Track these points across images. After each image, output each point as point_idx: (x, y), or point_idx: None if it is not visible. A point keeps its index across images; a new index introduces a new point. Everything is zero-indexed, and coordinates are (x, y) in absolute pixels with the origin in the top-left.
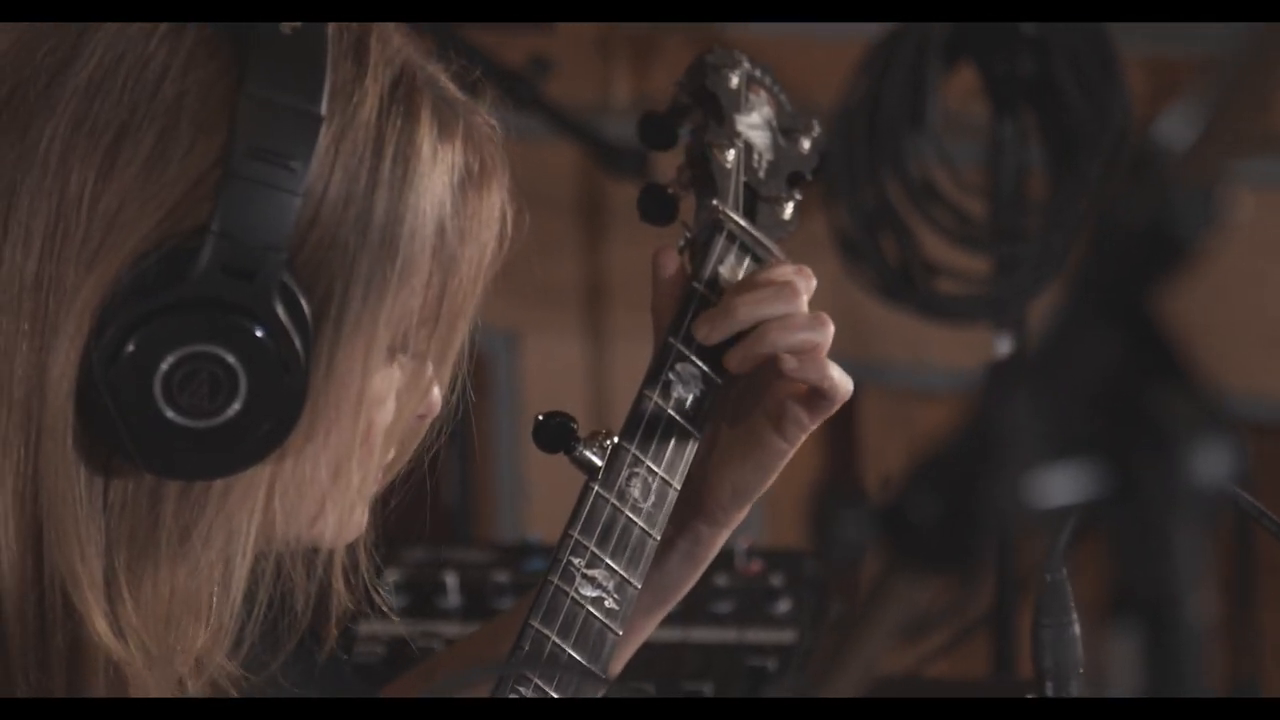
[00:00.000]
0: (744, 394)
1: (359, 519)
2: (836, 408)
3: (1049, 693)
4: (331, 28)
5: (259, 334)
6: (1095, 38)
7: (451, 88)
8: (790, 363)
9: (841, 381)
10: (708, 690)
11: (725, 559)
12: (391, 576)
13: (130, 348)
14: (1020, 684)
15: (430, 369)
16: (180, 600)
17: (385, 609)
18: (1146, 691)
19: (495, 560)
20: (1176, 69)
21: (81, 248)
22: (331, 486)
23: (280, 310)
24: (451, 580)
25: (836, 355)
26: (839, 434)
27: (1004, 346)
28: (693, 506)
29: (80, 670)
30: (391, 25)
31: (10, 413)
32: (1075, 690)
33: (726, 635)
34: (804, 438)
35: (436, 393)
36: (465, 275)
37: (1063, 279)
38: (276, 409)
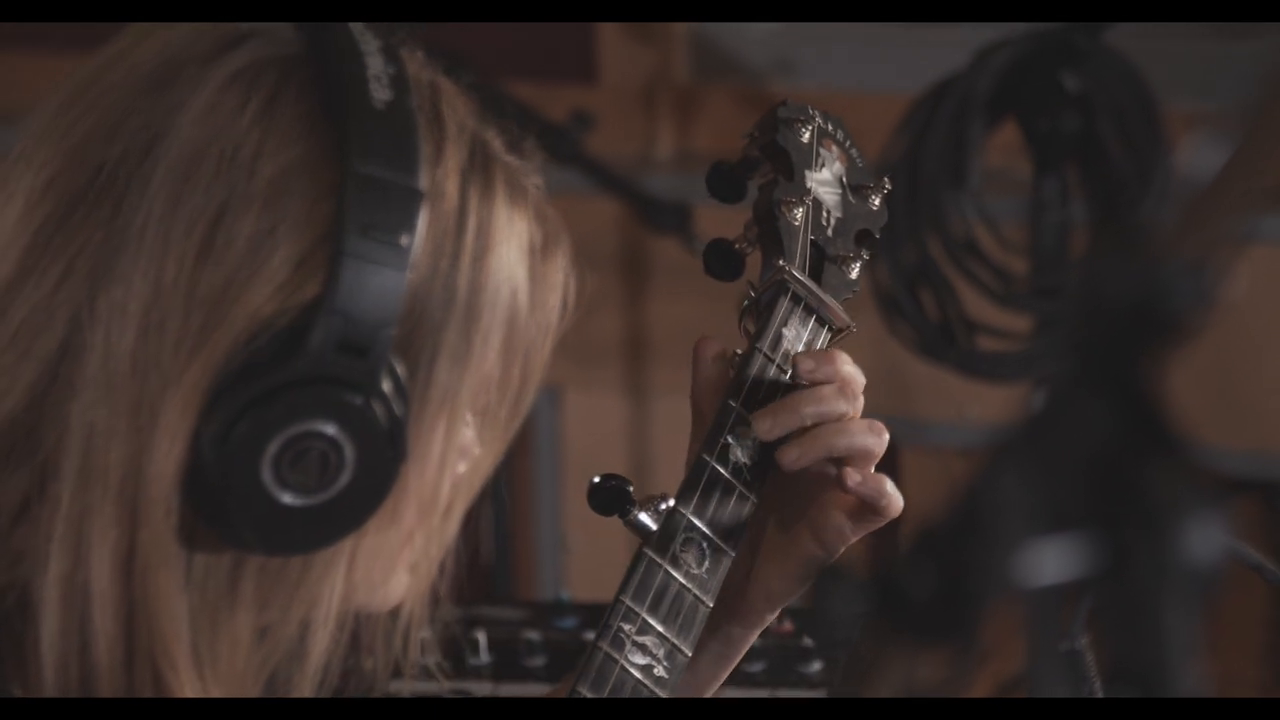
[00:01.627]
0: (787, 495)
1: (407, 587)
2: (884, 524)
3: None
4: (413, 98)
5: (370, 410)
6: (1139, 93)
7: (507, 154)
8: (853, 478)
9: (894, 498)
10: None
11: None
12: (422, 634)
13: (245, 427)
14: None
15: (495, 439)
16: (254, 675)
17: (431, 669)
18: None
19: (527, 618)
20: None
21: (183, 330)
22: (397, 553)
23: (387, 384)
24: (482, 638)
25: (876, 412)
26: None
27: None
28: (727, 608)
29: None
30: (452, 88)
31: (105, 496)
32: None
33: (759, 694)
34: (844, 549)
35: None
36: (536, 341)
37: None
38: (377, 483)
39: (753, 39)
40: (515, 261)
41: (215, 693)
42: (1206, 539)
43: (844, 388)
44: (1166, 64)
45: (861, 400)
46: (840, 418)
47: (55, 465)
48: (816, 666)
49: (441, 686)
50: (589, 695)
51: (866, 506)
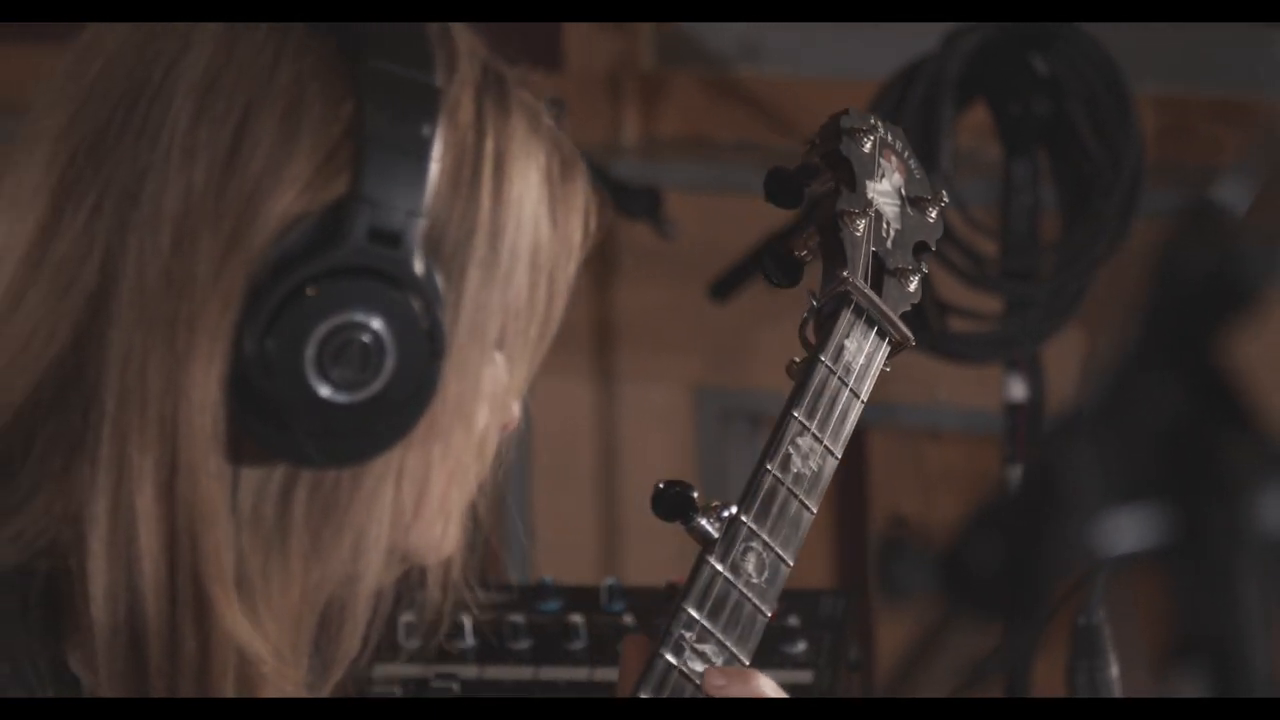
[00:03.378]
0: None
1: (455, 535)
2: None
3: None
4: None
5: (406, 300)
6: (1110, 77)
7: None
8: None
9: None
10: None
11: None
12: (405, 618)
13: (284, 322)
14: None
15: (523, 367)
16: (309, 602)
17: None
18: None
19: (510, 601)
20: (1187, 107)
21: (214, 239)
22: (447, 489)
23: (422, 273)
24: (466, 621)
25: None
26: (849, 472)
27: (1016, 387)
28: None
29: (210, 672)
30: (459, 25)
31: (145, 415)
32: None
33: None
34: None
35: (517, 406)
36: (559, 263)
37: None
38: (419, 380)
39: (718, 25)
40: (534, 180)
41: (266, 620)
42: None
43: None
44: (1137, 48)
45: None
46: None
47: (98, 390)
48: (801, 647)
49: (428, 670)
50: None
51: None
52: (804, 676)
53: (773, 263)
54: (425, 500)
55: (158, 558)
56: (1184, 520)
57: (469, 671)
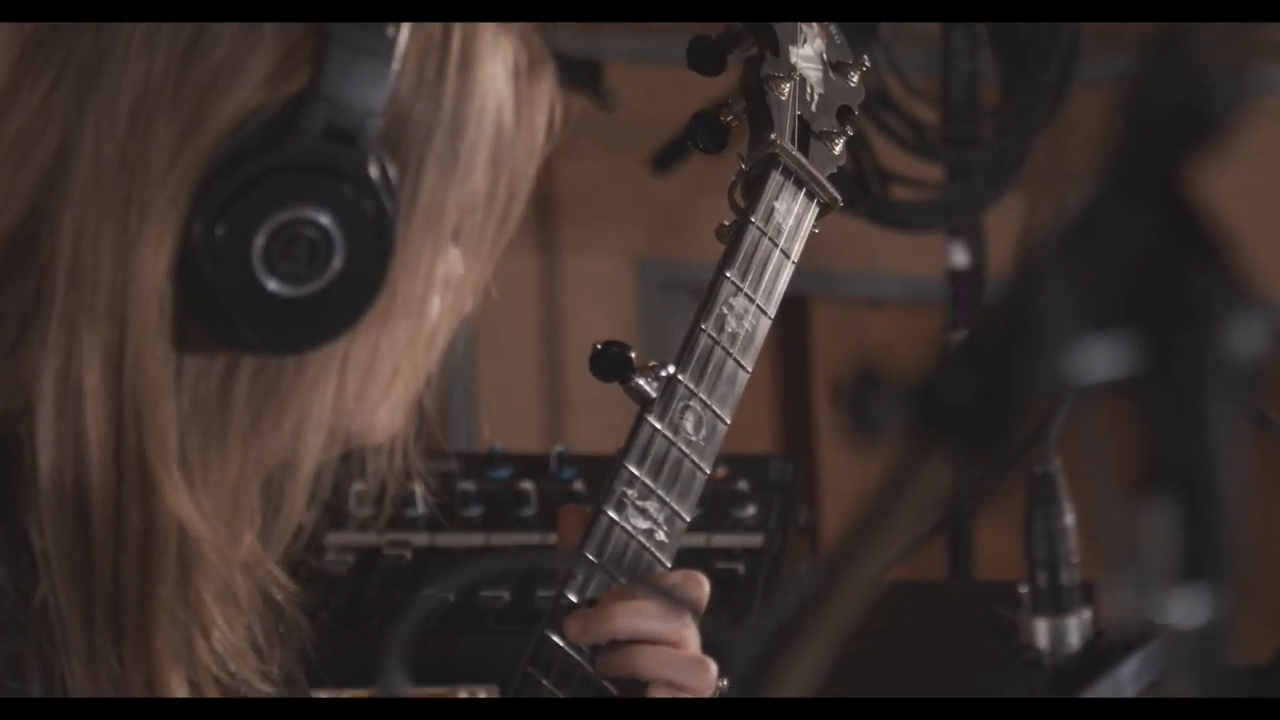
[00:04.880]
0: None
1: (401, 417)
2: None
3: (1040, 582)
4: None
5: (357, 198)
6: None
7: None
8: (659, 692)
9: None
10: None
11: None
12: (357, 487)
13: (233, 214)
14: (977, 586)
15: (480, 261)
16: (247, 483)
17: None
18: (1182, 567)
19: (461, 470)
20: None
21: (170, 124)
22: (392, 376)
23: (375, 173)
24: (418, 489)
25: None
26: (792, 341)
27: (957, 254)
28: None
29: (153, 550)
30: None
31: (96, 293)
32: (1065, 578)
33: (694, 540)
34: None
35: (471, 299)
36: (520, 162)
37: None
38: (368, 275)
39: None
40: (500, 77)
41: (204, 500)
42: (1248, 336)
43: (665, 611)
44: None
45: (689, 626)
46: (655, 639)
47: (50, 267)
48: (751, 510)
49: (380, 539)
50: (593, 558)
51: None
52: (754, 540)
53: (701, 129)
54: (369, 387)
55: (104, 435)
56: (1153, 349)
57: (420, 539)
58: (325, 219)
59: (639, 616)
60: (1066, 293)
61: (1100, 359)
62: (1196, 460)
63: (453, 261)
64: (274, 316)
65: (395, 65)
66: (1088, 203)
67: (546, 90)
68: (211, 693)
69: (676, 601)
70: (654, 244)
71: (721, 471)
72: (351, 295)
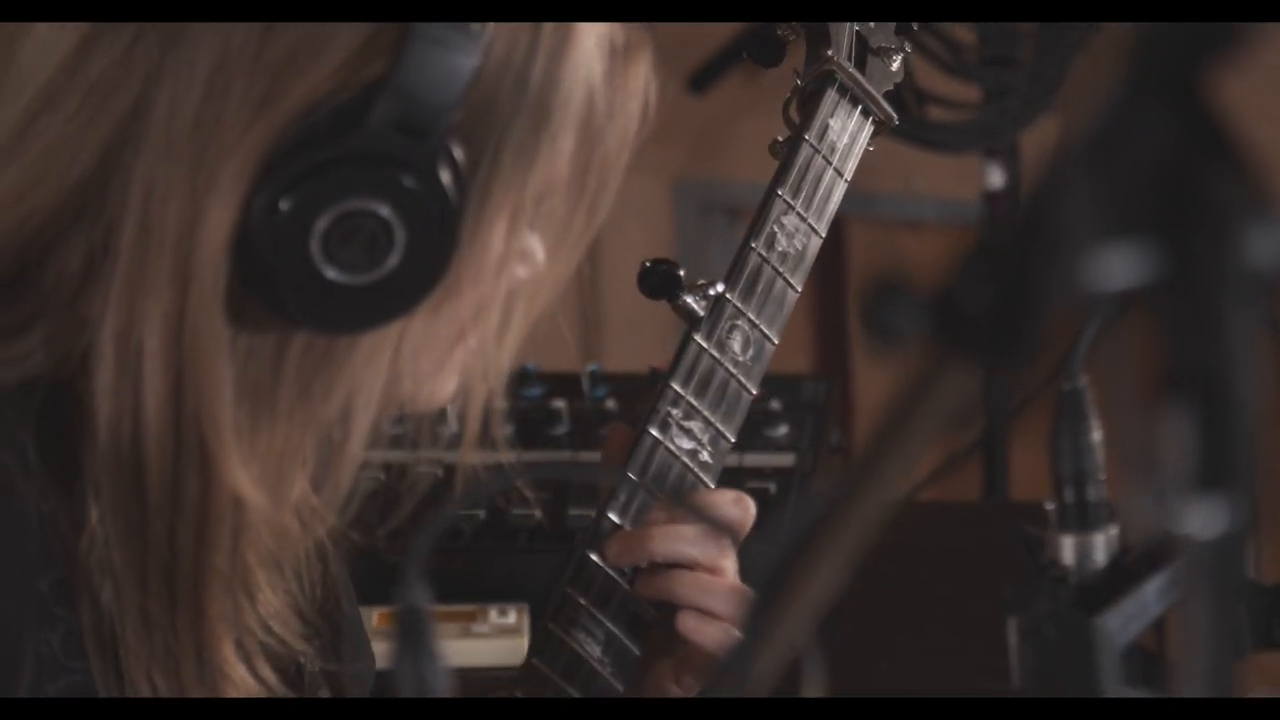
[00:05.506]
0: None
1: (451, 386)
2: None
3: (1067, 499)
4: None
5: (423, 194)
6: None
7: None
8: (686, 623)
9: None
10: None
11: None
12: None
13: (296, 198)
14: (1011, 506)
15: (565, 251)
16: (294, 453)
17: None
18: (1199, 477)
19: None
20: None
21: (246, 95)
22: (447, 350)
23: (444, 170)
24: (450, 409)
25: None
26: (828, 263)
27: (994, 175)
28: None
29: (209, 520)
30: None
31: (161, 254)
32: (1092, 495)
33: (727, 460)
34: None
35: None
36: (610, 148)
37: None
38: (427, 268)
39: None
40: (594, 61)
41: (254, 467)
42: (1267, 244)
43: (704, 538)
44: None
45: (729, 552)
46: (694, 564)
47: (118, 223)
48: (783, 430)
49: (412, 456)
50: (636, 478)
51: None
52: (786, 460)
53: (756, 44)
54: (422, 362)
55: (162, 401)
56: (1172, 257)
57: (452, 457)
58: (387, 212)
59: (679, 540)
60: (1085, 201)
61: (1118, 267)
62: (1214, 369)
63: (532, 249)
64: (327, 300)
65: (477, 60)
66: (1108, 110)
67: (642, 74)
68: (257, 657)
69: (717, 526)
70: (691, 164)
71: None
72: (409, 285)
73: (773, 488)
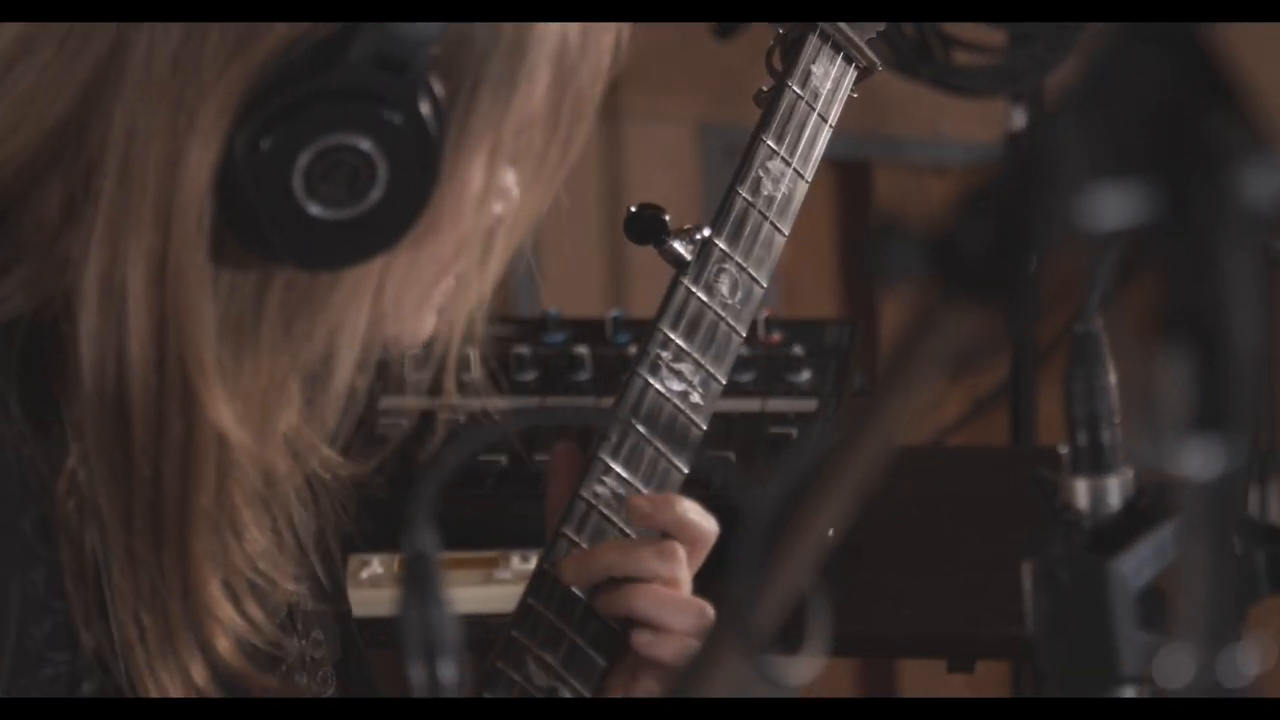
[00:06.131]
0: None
1: (429, 325)
2: None
3: (1080, 442)
4: None
5: (403, 127)
6: None
7: None
8: (641, 639)
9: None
10: (731, 457)
11: (749, 330)
12: (413, 352)
13: (277, 134)
14: (1039, 452)
15: (540, 185)
16: (279, 390)
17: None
18: (1198, 418)
19: (516, 334)
20: None
21: (224, 34)
22: (429, 288)
23: (424, 104)
24: (473, 354)
25: (853, 129)
26: (854, 207)
27: (1019, 120)
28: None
29: (194, 459)
30: None
31: (143, 196)
32: (1106, 438)
33: (749, 405)
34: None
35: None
36: (585, 81)
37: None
38: (408, 204)
39: None
40: None
41: (238, 405)
42: (1266, 182)
43: (663, 550)
44: None
45: (681, 565)
46: (651, 577)
47: (99, 165)
48: (806, 375)
49: (434, 403)
50: (630, 420)
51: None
52: (809, 405)
53: None
54: (408, 299)
55: (145, 340)
56: (1170, 196)
57: (474, 402)
58: (368, 146)
59: (633, 555)
60: (1082, 140)
61: (1116, 207)
62: (1212, 309)
63: (508, 185)
64: (310, 236)
65: None
66: (1105, 49)
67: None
68: (246, 596)
69: (679, 534)
70: (717, 109)
71: (777, 336)
72: (391, 220)
73: (795, 433)
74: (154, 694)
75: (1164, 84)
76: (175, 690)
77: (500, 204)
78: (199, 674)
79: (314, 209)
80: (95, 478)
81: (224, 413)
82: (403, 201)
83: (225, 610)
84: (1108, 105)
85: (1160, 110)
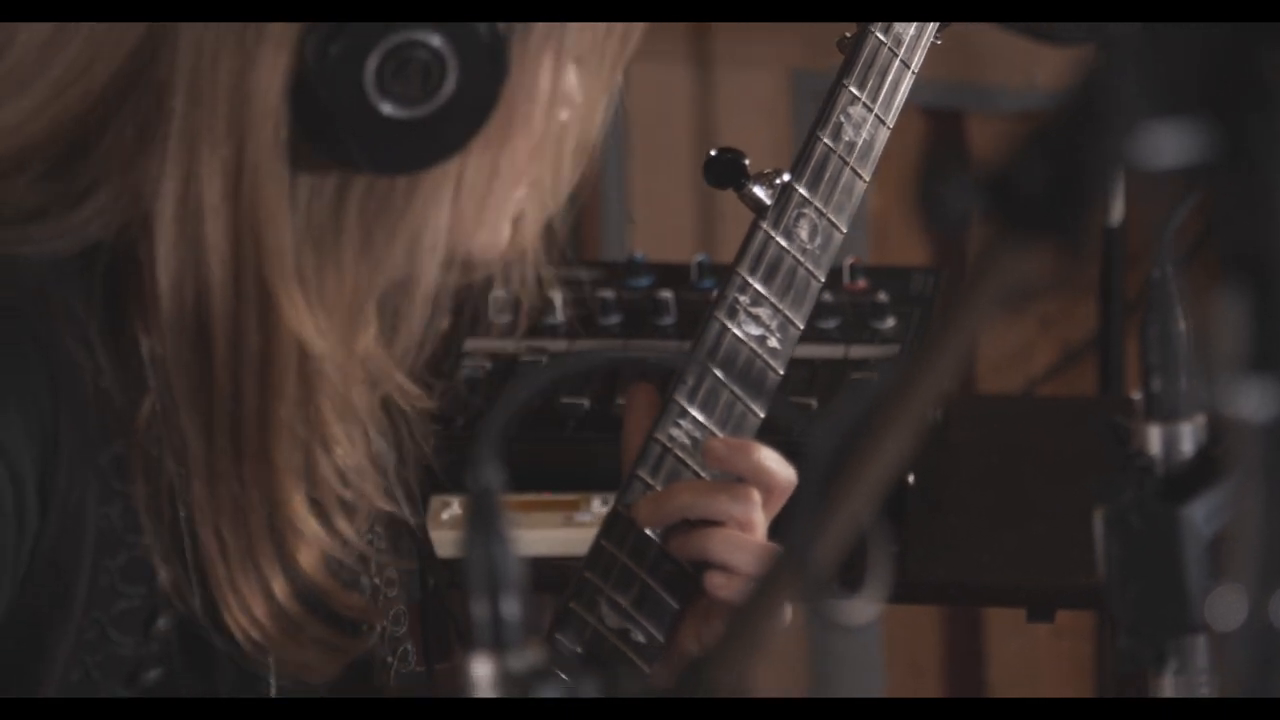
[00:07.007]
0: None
1: (506, 235)
2: None
3: (1154, 388)
4: None
5: (472, 20)
6: None
7: None
8: (714, 580)
9: None
10: (814, 404)
11: (832, 277)
12: (496, 293)
13: (346, 36)
14: (1127, 402)
15: (600, 80)
16: (362, 300)
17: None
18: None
19: (601, 278)
20: None
21: None
22: (505, 195)
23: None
24: (557, 297)
25: (944, 79)
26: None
27: None
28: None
29: (273, 369)
30: None
31: (215, 111)
32: (1182, 385)
33: (832, 351)
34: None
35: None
36: None
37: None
38: (480, 100)
39: None
40: None
41: (321, 316)
42: None
43: (735, 492)
44: None
45: (757, 509)
46: (726, 520)
47: (169, 85)
48: (890, 322)
49: (518, 345)
50: (706, 364)
51: None
52: (892, 351)
53: None
54: (485, 206)
55: (224, 254)
56: (1225, 134)
57: (558, 346)
58: (438, 41)
59: (708, 496)
60: (1138, 78)
61: (1172, 145)
62: (1267, 249)
63: (573, 87)
64: (385, 137)
65: None
66: None
67: None
68: (335, 510)
69: (755, 480)
70: (809, 55)
71: (862, 282)
72: (463, 117)
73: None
74: (235, 610)
75: (1218, 20)
76: (256, 605)
77: (566, 110)
78: (280, 588)
79: (387, 108)
80: (175, 399)
81: (306, 323)
82: (474, 98)
83: (310, 524)
84: (1163, 42)
85: (1216, 47)
